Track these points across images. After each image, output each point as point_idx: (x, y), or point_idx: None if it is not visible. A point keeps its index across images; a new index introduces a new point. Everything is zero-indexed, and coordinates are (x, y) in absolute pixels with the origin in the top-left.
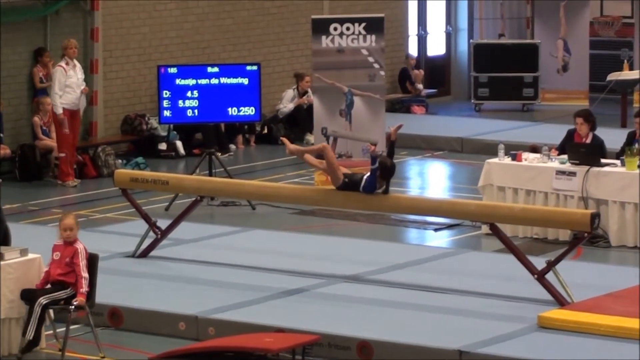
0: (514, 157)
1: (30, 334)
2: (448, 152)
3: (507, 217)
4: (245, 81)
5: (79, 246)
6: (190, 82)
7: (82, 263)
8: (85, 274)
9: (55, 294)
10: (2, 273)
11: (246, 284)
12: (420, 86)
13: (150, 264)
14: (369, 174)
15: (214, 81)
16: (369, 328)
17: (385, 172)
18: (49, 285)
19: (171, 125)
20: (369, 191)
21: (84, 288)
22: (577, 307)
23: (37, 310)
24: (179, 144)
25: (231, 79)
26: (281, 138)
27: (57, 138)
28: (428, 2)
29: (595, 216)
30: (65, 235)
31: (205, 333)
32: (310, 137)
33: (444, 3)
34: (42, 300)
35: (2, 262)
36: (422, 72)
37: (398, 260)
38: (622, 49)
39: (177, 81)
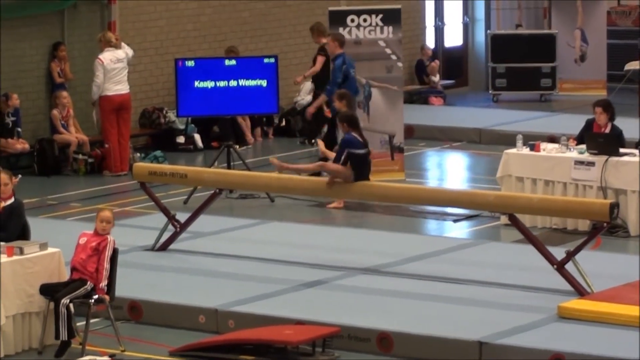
0: (532, 148)
1: (64, 336)
2: (466, 143)
3: (526, 207)
4: (264, 83)
5: (110, 238)
6: (209, 84)
7: (108, 254)
8: (107, 265)
9: (76, 292)
10: (22, 267)
11: (265, 277)
12: (435, 79)
13: (169, 257)
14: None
15: (233, 83)
16: (389, 320)
17: (350, 121)
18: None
19: (189, 118)
20: (357, 146)
21: (103, 282)
22: (597, 297)
23: (63, 311)
24: (197, 136)
25: (250, 80)
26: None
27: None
28: None
29: (614, 206)
30: (101, 227)
31: (225, 326)
32: (320, 143)
33: None
34: (65, 300)
35: (22, 257)
36: (437, 62)
37: (417, 252)
38: (639, 39)
39: (196, 83)
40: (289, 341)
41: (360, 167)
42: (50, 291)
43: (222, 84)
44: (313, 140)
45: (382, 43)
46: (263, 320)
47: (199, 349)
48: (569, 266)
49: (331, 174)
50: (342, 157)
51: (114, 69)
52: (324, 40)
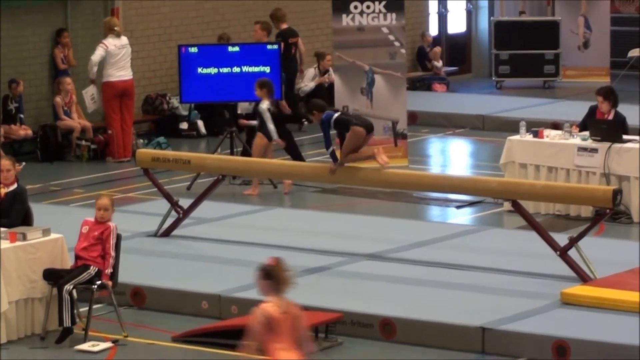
0: (536, 134)
1: (67, 322)
2: (469, 130)
3: (529, 194)
4: (267, 69)
5: (112, 225)
6: (212, 70)
7: (113, 242)
8: (113, 253)
9: (79, 277)
10: (25, 253)
11: None
12: (438, 64)
13: (172, 243)
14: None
15: (236, 70)
16: (392, 306)
17: (317, 107)
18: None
19: (192, 105)
20: (332, 114)
21: (109, 269)
22: (600, 283)
23: (67, 297)
24: (200, 123)
25: (253, 67)
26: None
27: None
28: None
29: (617, 192)
30: (99, 215)
31: (228, 311)
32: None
33: None
34: (68, 287)
35: (25, 242)
36: (439, 48)
37: (420, 238)
38: None
39: (200, 70)
40: None
41: (352, 122)
42: (53, 277)
43: (225, 70)
44: (305, 121)
45: (385, 30)
46: None
47: (201, 334)
48: (572, 252)
49: (352, 149)
50: (340, 133)
51: (117, 54)
52: (284, 26)
